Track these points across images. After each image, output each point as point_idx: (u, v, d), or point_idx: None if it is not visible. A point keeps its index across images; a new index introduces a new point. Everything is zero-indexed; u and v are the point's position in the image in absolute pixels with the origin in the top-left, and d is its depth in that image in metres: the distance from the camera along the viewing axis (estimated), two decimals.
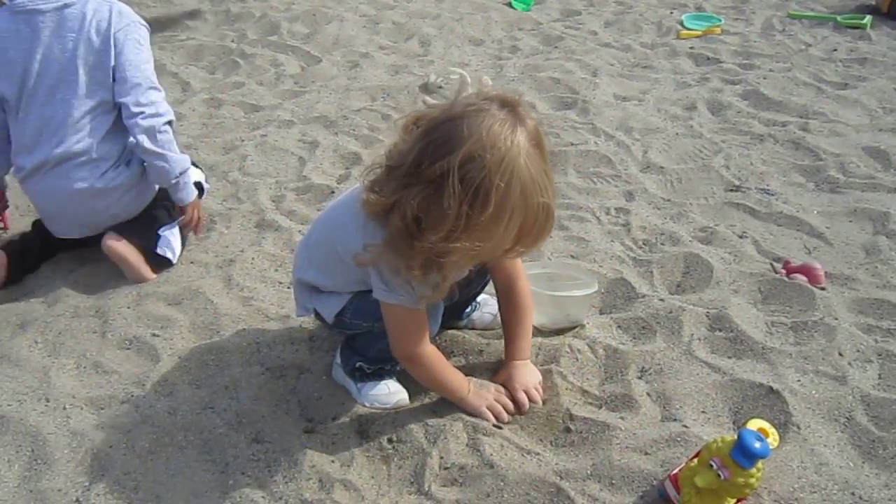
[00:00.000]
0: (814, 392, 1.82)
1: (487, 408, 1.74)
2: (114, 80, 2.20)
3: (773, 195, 2.75)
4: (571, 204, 2.68)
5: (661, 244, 2.46)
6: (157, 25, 4.69)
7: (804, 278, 2.25)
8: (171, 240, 2.39)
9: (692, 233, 2.52)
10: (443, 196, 1.33)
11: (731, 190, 2.80)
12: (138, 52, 2.22)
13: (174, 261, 2.40)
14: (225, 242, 2.54)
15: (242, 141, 3.19)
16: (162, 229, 2.37)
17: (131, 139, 2.25)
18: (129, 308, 2.19)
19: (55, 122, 2.19)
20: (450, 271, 1.46)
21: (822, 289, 2.23)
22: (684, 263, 2.34)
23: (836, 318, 2.08)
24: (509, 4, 5.08)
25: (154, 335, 2.07)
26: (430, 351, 1.69)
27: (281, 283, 2.32)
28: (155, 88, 2.26)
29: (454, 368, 1.77)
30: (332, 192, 2.73)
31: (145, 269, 2.34)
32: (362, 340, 1.81)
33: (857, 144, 3.11)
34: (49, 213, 2.34)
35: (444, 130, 1.36)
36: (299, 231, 2.53)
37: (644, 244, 2.47)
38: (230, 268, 2.37)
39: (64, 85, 2.18)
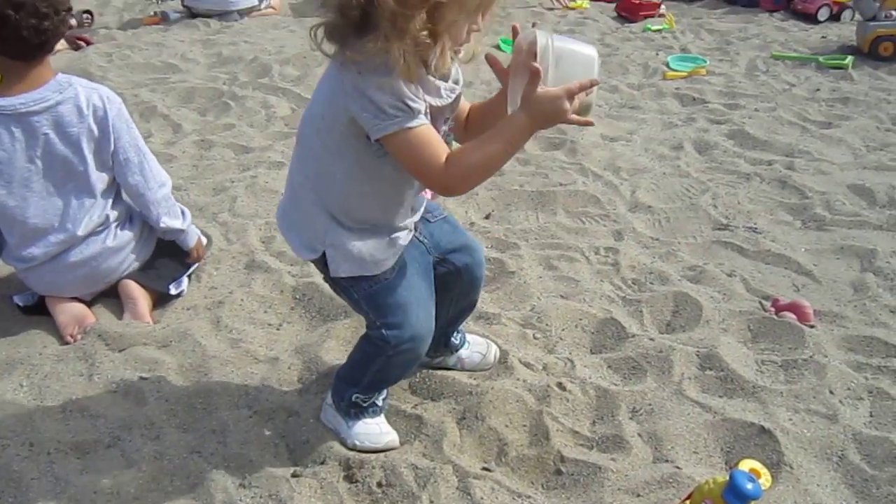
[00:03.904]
0: (805, 431, 1.82)
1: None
2: (113, 161, 2.29)
3: (760, 233, 2.77)
4: (560, 244, 2.69)
5: (651, 283, 2.47)
6: (149, 68, 4.74)
7: (793, 316, 2.26)
8: (181, 280, 2.51)
9: (681, 272, 2.53)
10: None
11: (719, 228, 2.82)
12: (130, 130, 2.32)
13: (185, 291, 2.50)
14: (213, 284, 2.53)
15: (233, 182, 3.19)
16: (173, 284, 2.47)
17: (152, 220, 2.39)
18: (116, 351, 2.17)
19: (71, 209, 2.25)
20: (446, 37, 1.42)
21: (812, 326, 2.24)
22: (674, 302, 2.34)
23: (826, 356, 2.08)
24: (497, 47, 5.15)
25: (142, 378, 2.05)
26: (458, 157, 1.49)
27: (270, 324, 2.31)
28: (152, 159, 2.39)
29: (488, 137, 1.49)
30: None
31: (146, 313, 2.35)
32: (354, 368, 1.80)
33: (843, 182, 3.15)
34: (60, 286, 2.34)
35: None
36: (288, 272, 2.52)
37: (633, 283, 2.48)
38: (219, 309, 2.36)
39: (74, 176, 2.24)
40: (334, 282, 1.70)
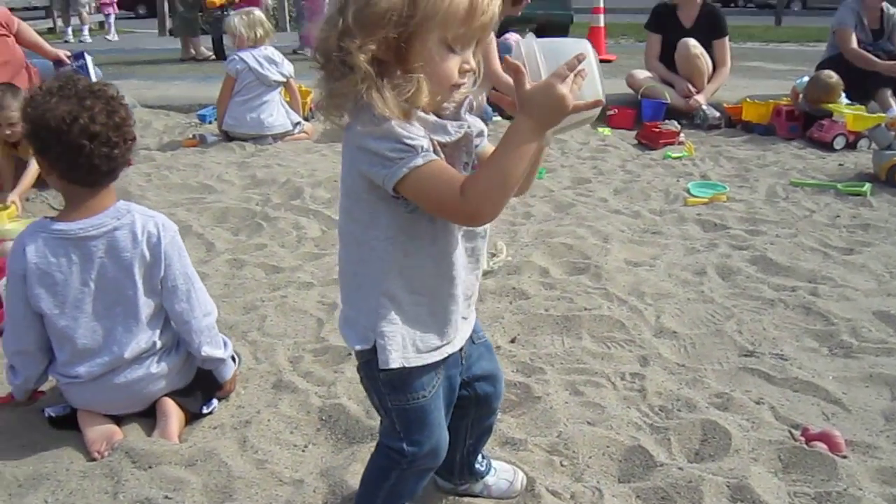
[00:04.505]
0: None
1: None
2: (161, 286, 2.35)
3: (787, 360, 2.76)
4: (586, 369, 2.69)
5: (678, 410, 2.45)
6: (186, 188, 4.93)
7: (824, 446, 2.22)
8: (212, 400, 2.55)
9: (708, 399, 2.52)
10: None
11: (745, 355, 2.81)
12: (181, 258, 2.37)
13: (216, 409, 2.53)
14: (241, 403, 2.55)
15: (263, 301, 3.26)
16: (206, 404, 2.52)
17: (194, 348, 2.42)
18: (142, 469, 2.17)
19: (117, 332, 2.31)
20: (420, 73, 1.41)
21: (844, 457, 2.20)
22: (702, 430, 2.32)
23: (861, 489, 2.04)
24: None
25: (167, 497, 2.04)
26: (473, 180, 1.43)
27: (296, 445, 2.31)
28: (200, 288, 2.43)
29: (497, 151, 1.44)
30: (349, 354, 2.76)
31: (175, 433, 2.37)
32: (368, 490, 1.78)
33: (868, 309, 3.15)
34: (99, 404, 2.40)
35: None
36: (315, 393, 2.54)
37: (660, 410, 2.46)
38: (246, 429, 2.37)
39: (124, 300, 2.30)
40: (371, 382, 1.66)
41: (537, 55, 1.43)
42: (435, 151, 1.45)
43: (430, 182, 1.41)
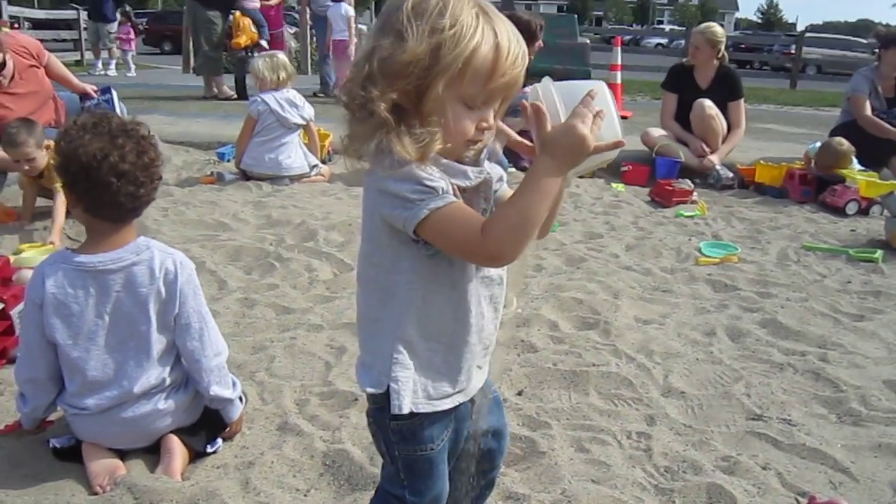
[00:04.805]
0: None
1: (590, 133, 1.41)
2: (175, 323, 2.37)
3: (794, 426, 2.74)
4: (593, 426, 2.68)
5: (684, 472, 2.43)
6: (201, 225, 4.98)
7: None
8: (217, 439, 2.55)
9: (714, 462, 2.50)
10: (406, 41, 1.38)
11: (753, 419, 2.79)
12: (196, 297, 2.40)
13: (220, 448, 2.54)
14: (245, 443, 2.55)
15: (272, 342, 3.27)
16: (210, 443, 2.52)
17: (203, 387, 2.44)
18: None
19: (128, 367, 2.33)
20: (436, 125, 1.43)
21: None
22: (707, 494, 2.30)
23: None
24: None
25: None
26: (493, 221, 1.43)
27: (298, 489, 2.30)
28: (213, 328, 2.45)
29: (518, 192, 1.43)
30: (356, 400, 2.76)
31: (178, 470, 2.37)
32: None
33: (878, 377, 3.13)
34: (104, 437, 2.41)
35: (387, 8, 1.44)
36: (320, 437, 2.54)
37: (666, 471, 2.45)
38: (249, 470, 2.36)
39: (137, 335, 2.32)
40: (380, 430, 1.65)
41: (555, 97, 1.45)
42: (454, 195, 1.47)
43: (451, 223, 1.42)
